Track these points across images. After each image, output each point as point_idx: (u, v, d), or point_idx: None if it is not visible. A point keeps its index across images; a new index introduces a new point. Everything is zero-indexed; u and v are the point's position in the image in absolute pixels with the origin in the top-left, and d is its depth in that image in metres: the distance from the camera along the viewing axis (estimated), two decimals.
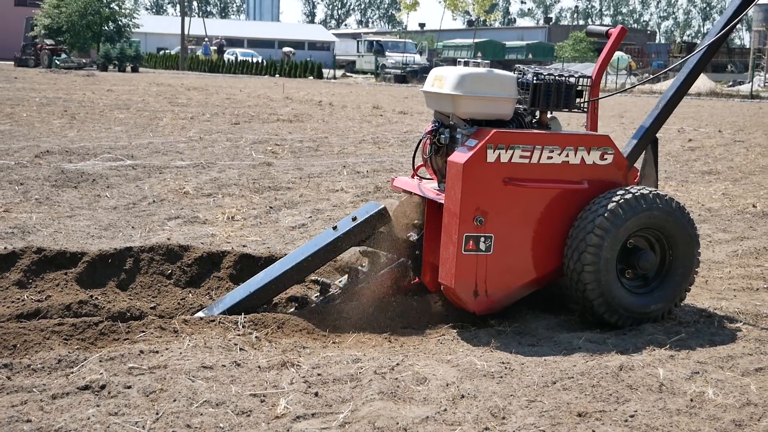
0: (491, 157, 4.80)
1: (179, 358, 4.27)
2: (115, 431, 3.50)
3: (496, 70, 5.11)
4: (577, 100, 5.25)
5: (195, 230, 7.35)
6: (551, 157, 4.91)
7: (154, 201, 8.53)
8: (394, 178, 5.71)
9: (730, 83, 43.77)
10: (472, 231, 4.83)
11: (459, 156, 4.85)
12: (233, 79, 45.07)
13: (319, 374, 4.21)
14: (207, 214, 8.02)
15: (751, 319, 5.23)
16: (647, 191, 4.94)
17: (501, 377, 4.24)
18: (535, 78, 5.12)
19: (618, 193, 4.91)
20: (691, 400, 3.97)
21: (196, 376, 4.09)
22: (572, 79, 5.19)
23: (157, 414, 3.69)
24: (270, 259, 5.69)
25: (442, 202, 4.98)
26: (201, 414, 3.72)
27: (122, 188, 9.18)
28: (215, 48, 63.26)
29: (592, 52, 66.82)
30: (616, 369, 4.29)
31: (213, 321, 4.80)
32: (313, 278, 5.41)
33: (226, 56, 61.54)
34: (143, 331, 4.64)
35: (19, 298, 5.00)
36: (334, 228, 5.29)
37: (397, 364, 4.35)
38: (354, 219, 5.27)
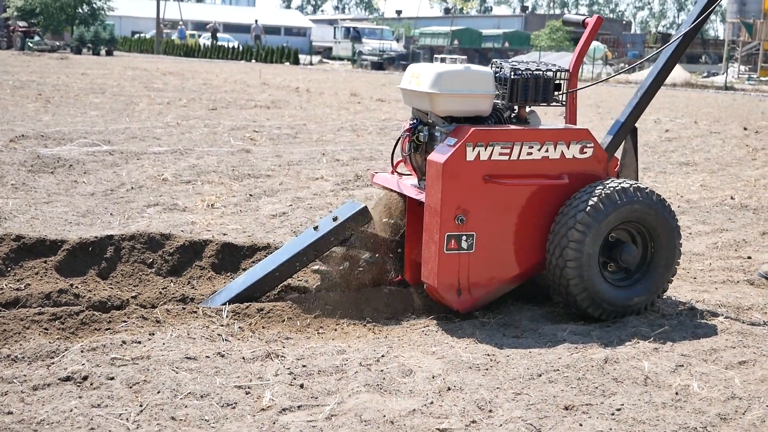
0: (471, 155, 4.76)
1: (162, 349, 4.23)
2: (98, 424, 3.45)
3: (473, 66, 5.06)
4: (555, 93, 5.22)
5: (175, 218, 7.28)
6: (531, 153, 4.88)
7: (132, 187, 8.45)
8: (374, 174, 5.66)
9: (705, 74, 43.96)
10: (454, 230, 4.79)
11: (438, 155, 4.80)
12: (209, 64, 44.79)
13: (303, 366, 4.18)
14: (186, 201, 7.95)
15: (733, 312, 5.24)
16: (628, 185, 4.93)
17: (487, 369, 4.23)
18: (512, 73, 5.08)
19: (599, 187, 4.89)
20: (677, 394, 3.97)
21: (179, 367, 4.05)
22: (550, 73, 5.14)
23: (141, 406, 3.65)
24: (252, 248, 5.65)
25: (423, 200, 4.94)
26: (186, 406, 3.68)
27: (99, 174, 9.09)
28: (209, 32, 62.38)
29: (568, 42, 66.92)
30: (601, 362, 4.29)
31: (195, 311, 4.75)
32: (314, 268, 5.35)
33: (201, 41, 61.08)
34: (125, 321, 4.59)
35: None
36: (315, 228, 5.24)
37: (383, 356, 4.33)
38: (335, 219, 5.21)
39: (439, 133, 5.01)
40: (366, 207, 5.23)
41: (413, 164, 5.23)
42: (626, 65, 51.88)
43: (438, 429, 3.58)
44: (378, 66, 49.70)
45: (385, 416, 3.66)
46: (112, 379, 3.88)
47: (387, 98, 22.76)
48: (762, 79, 41.84)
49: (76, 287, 5.00)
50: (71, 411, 3.56)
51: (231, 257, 5.58)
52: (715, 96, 31.79)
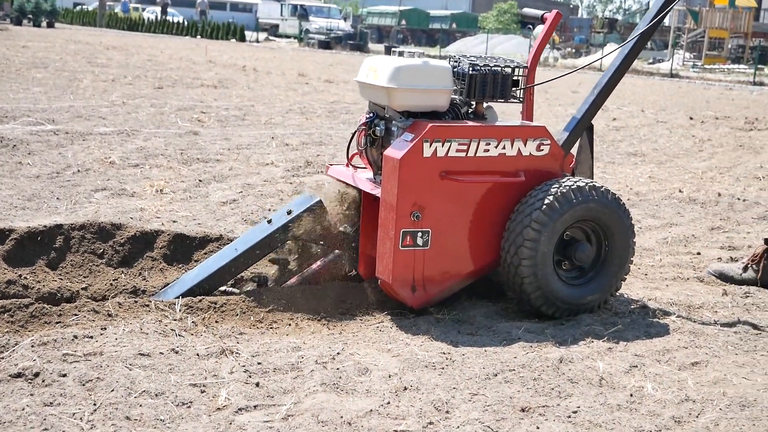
0: (428, 151, 4.73)
1: (115, 345, 4.16)
2: (52, 424, 3.38)
3: (432, 61, 5.04)
4: (513, 89, 5.21)
5: (123, 203, 7.17)
6: (488, 150, 4.87)
7: (78, 170, 8.30)
8: (329, 166, 5.61)
9: (650, 60, 44.41)
10: (409, 226, 4.77)
11: (395, 151, 4.77)
12: (153, 39, 44.19)
13: (259, 363, 4.14)
14: (135, 186, 7.83)
15: (684, 310, 5.30)
16: (583, 183, 4.94)
17: (443, 368, 4.22)
18: (471, 68, 5.05)
19: (554, 185, 4.89)
20: (631, 395, 4.00)
21: (133, 364, 3.98)
22: (508, 69, 5.13)
23: (94, 405, 3.59)
24: (204, 239, 5.58)
25: (378, 195, 4.91)
26: (140, 405, 3.62)
27: (44, 155, 8.91)
28: (160, 6, 61.22)
29: (515, 24, 67.24)
30: (556, 362, 4.31)
31: (147, 305, 4.68)
32: (272, 257, 5.30)
33: (145, 15, 60.16)
34: (76, 314, 4.51)
35: None
36: (269, 221, 5.19)
37: (338, 353, 4.30)
38: (289, 212, 5.16)
39: (396, 127, 4.97)
40: (321, 200, 5.18)
41: (369, 158, 5.19)
42: (572, 49, 52.26)
43: (395, 431, 3.56)
44: (325, 45, 49.45)
45: (342, 417, 3.63)
46: (64, 376, 3.81)
47: (335, 79, 22.67)
48: (706, 66, 42.41)
49: (25, 278, 4.89)
50: (23, 410, 3.48)
51: (183, 248, 5.50)
52: (660, 83, 32.17)
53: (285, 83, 20.34)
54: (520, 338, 4.65)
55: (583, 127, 5.36)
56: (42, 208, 6.89)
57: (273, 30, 64.20)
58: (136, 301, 4.70)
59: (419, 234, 4.82)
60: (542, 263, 4.86)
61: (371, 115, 5.18)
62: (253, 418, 3.61)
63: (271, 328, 4.75)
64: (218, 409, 3.67)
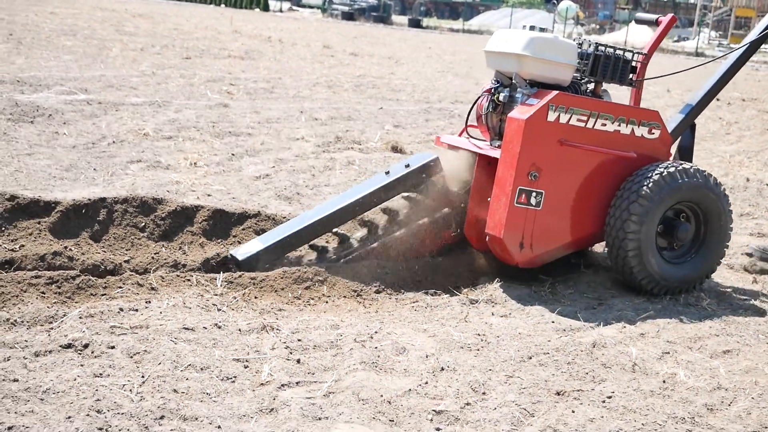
0: (551, 116, 4.99)
1: (160, 318, 4.27)
2: (104, 395, 3.49)
3: (561, 37, 5.31)
4: (630, 75, 5.47)
5: (158, 176, 7.27)
6: (605, 125, 5.12)
7: (113, 141, 8.40)
8: (439, 137, 5.84)
9: (675, 38, 44.17)
10: (526, 185, 5.00)
11: (520, 112, 5.03)
12: (177, 6, 44.22)
13: (299, 340, 4.24)
14: (169, 158, 7.93)
15: (714, 298, 5.36)
16: (689, 166, 5.20)
17: (478, 350, 4.31)
18: (595, 50, 5.31)
19: (662, 165, 5.15)
20: (664, 382, 4.08)
21: (178, 338, 4.09)
22: (629, 55, 5.40)
23: (143, 377, 3.70)
24: (243, 215, 5.67)
25: (495, 156, 5.13)
26: (186, 378, 3.73)
27: (79, 125, 9.01)
28: None
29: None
30: (589, 346, 4.39)
31: (189, 279, 4.79)
32: (334, 230, 5.49)
33: None
34: (120, 287, 4.62)
35: None
36: (387, 173, 5.45)
37: (376, 332, 4.40)
38: (407, 165, 5.42)
39: (521, 94, 5.22)
40: (438, 158, 5.44)
41: (488, 124, 5.45)
42: (597, 26, 51.98)
43: (434, 410, 3.65)
44: (348, 16, 49.38)
45: (381, 396, 3.73)
46: (112, 348, 3.92)
47: (360, 52, 22.69)
48: (732, 46, 42.09)
49: (70, 249, 5.01)
50: (75, 380, 3.60)
51: (222, 223, 5.60)
52: (685, 62, 31.91)
53: (311, 55, 20.38)
54: (554, 321, 4.73)
55: (692, 119, 5.70)
56: (79, 179, 7.00)
57: (296, 0, 64.06)
58: (178, 275, 4.81)
59: (534, 194, 5.03)
60: (646, 238, 5.07)
61: (496, 83, 5.42)
62: (296, 395, 3.71)
63: (308, 304, 4.86)
64: (261, 384, 3.77)
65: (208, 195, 6.80)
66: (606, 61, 5.35)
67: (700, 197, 5.23)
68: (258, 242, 5.21)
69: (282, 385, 3.77)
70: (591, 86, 5.49)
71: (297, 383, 3.81)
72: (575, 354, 4.30)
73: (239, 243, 5.48)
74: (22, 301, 4.36)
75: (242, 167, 7.89)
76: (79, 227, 5.28)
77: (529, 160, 4.98)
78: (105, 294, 4.56)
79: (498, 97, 5.32)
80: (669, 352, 4.43)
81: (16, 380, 3.56)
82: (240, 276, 4.90)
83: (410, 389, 3.83)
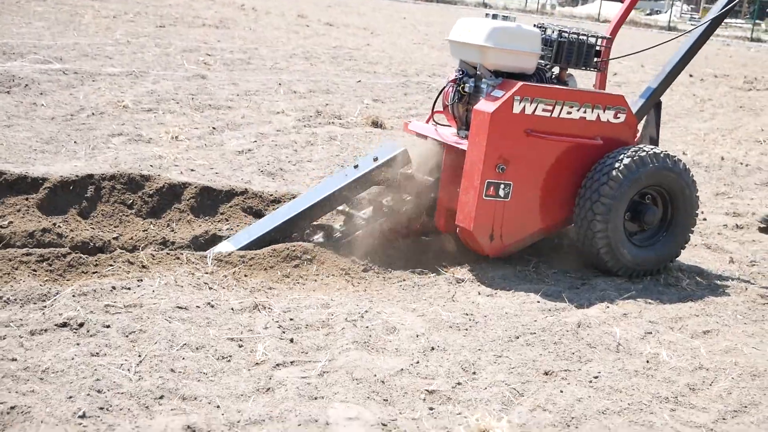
0: (517, 108, 5.01)
1: (153, 297, 4.31)
2: (103, 375, 3.54)
3: (524, 25, 5.31)
4: (595, 59, 5.50)
5: (140, 150, 7.26)
6: (570, 113, 5.16)
7: (93, 113, 8.36)
8: (407, 123, 5.84)
9: (648, 12, 44.31)
10: (494, 178, 5.04)
11: (486, 105, 5.04)
12: None
13: (291, 319, 4.30)
14: (150, 131, 7.91)
15: (693, 278, 5.47)
16: (659, 151, 5.26)
17: (467, 330, 4.39)
18: (559, 36, 5.34)
19: (632, 150, 5.20)
20: (647, 362, 4.18)
21: (172, 316, 4.14)
22: (593, 39, 5.43)
23: (139, 356, 3.74)
24: (230, 193, 5.71)
25: (464, 148, 5.15)
26: (183, 358, 3.78)
27: (56, 96, 8.96)
28: None
29: None
30: (575, 326, 4.48)
31: (179, 257, 4.82)
32: (339, 208, 5.53)
33: None
34: (111, 265, 4.65)
35: None
36: (356, 167, 5.45)
37: (366, 311, 4.46)
38: (375, 159, 5.42)
39: (486, 85, 5.24)
40: (406, 150, 5.45)
41: (455, 114, 5.46)
42: None
43: (427, 390, 3.73)
44: None
45: (375, 375, 3.80)
46: (107, 327, 3.96)
47: (334, 22, 22.59)
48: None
49: (59, 226, 5.03)
50: (73, 359, 3.64)
51: (209, 200, 5.64)
52: (658, 36, 32.08)
53: (285, 25, 20.27)
54: (539, 301, 4.82)
55: (655, 99, 5.72)
56: (61, 152, 6.98)
57: None
58: (168, 253, 4.84)
59: (502, 185, 5.08)
60: (614, 220, 5.14)
61: (460, 72, 5.42)
62: (291, 374, 3.77)
63: (298, 283, 4.91)
64: (257, 363, 3.83)
65: (192, 170, 6.80)
66: (570, 47, 5.36)
67: (668, 182, 5.29)
68: (229, 244, 5.20)
69: (277, 365, 3.83)
70: (556, 71, 5.53)
71: (291, 363, 3.87)
72: (561, 334, 4.39)
73: (227, 220, 5.52)
74: (14, 279, 4.38)
75: (224, 141, 7.89)
76: (67, 204, 5.29)
77: (496, 152, 5.01)
78: (96, 272, 4.59)
79: (463, 88, 5.32)
80: (651, 333, 4.53)
81: (14, 359, 3.60)
82: (229, 254, 4.94)
83: (402, 369, 3.90)
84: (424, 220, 5.54)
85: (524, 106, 5.03)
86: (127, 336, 3.91)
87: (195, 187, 5.66)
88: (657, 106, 5.81)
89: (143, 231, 5.23)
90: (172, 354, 3.80)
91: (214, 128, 8.30)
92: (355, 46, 16.91)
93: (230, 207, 5.63)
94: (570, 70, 5.54)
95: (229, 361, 3.83)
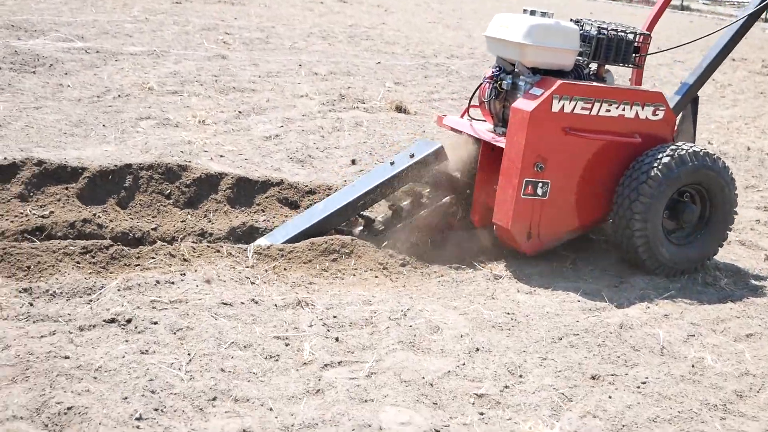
0: (556, 106, 4.98)
1: (197, 292, 4.31)
2: (155, 374, 3.54)
3: (563, 22, 5.24)
4: (633, 55, 5.45)
5: (169, 134, 7.24)
6: (609, 111, 5.13)
7: (119, 95, 8.33)
8: (442, 117, 5.79)
9: None
10: (532, 176, 5.02)
11: (525, 103, 5.01)
12: None
13: (334, 316, 4.30)
14: (177, 115, 7.88)
15: (731, 277, 5.45)
16: (698, 149, 5.22)
17: (509, 330, 4.39)
18: (598, 32, 5.28)
19: (671, 148, 5.16)
20: (693, 366, 4.17)
21: (218, 313, 4.14)
22: (631, 35, 5.36)
23: (189, 355, 3.75)
24: (266, 183, 5.69)
25: (501, 145, 5.11)
26: (232, 357, 3.78)
27: (81, 76, 8.93)
28: None
29: None
30: (617, 327, 4.47)
31: (219, 250, 4.82)
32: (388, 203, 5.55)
33: None
34: (153, 258, 4.65)
35: (22, 212, 4.93)
36: (392, 163, 5.43)
37: (408, 309, 4.46)
38: (412, 155, 5.39)
39: (524, 82, 5.21)
40: (442, 146, 5.41)
41: (491, 110, 5.42)
42: None
43: (476, 394, 3.73)
44: None
45: (423, 378, 3.80)
46: (155, 323, 3.96)
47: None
48: None
49: (98, 216, 5.02)
50: (124, 357, 3.64)
51: (246, 191, 5.63)
52: (671, 16, 31.93)
53: (300, 1, 20.15)
54: (579, 301, 4.81)
55: (692, 95, 5.66)
56: (90, 136, 6.96)
57: None
58: (208, 246, 4.83)
59: (540, 184, 5.06)
60: (653, 219, 5.12)
61: (497, 69, 5.37)
62: (339, 375, 3.77)
63: (336, 277, 4.90)
64: (305, 363, 3.83)
65: (221, 156, 6.79)
66: (609, 44, 5.31)
67: (708, 180, 5.26)
68: (266, 240, 5.20)
69: (325, 365, 3.83)
70: (593, 67, 5.48)
71: (339, 363, 3.87)
72: (605, 336, 4.38)
73: (263, 211, 5.51)
74: (59, 271, 4.38)
75: (250, 126, 7.86)
76: (105, 193, 5.28)
77: (535, 151, 4.99)
78: (139, 264, 4.59)
79: (501, 84, 5.29)
80: (694, 335, 4.52)
81: (66, 357, 3.60)
82: (269, 247, 4.93)
83: (449, 371, 3.90)
84: (459, 215, 5.52)
85: (563, 105, 5.00)
86: (174, 333, 3.91)
87: (231, 177, 5.65)
88: (694, 101, 5.78)
89: (181, 222, 5.23)
90: (220, 353, 3.80)
91: (240, 112, 8.27)
92: (370, 24, 16.82)
93: (266, 198, 5.62)
94: (607, 66, 5.50)
95: (277, 360, 3.83)
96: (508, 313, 4.56)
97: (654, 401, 3.81)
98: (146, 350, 3.75)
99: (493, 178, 5.26)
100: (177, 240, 5.03)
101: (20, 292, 4.10)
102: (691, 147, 5.23)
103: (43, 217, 4.90)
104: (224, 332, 3.97)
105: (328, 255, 5.03)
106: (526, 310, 4.63)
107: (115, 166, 5.41)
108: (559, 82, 5.01)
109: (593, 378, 3.97)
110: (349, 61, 12.05)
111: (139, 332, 3.88)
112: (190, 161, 5.84)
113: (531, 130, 4.95)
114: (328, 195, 5.74)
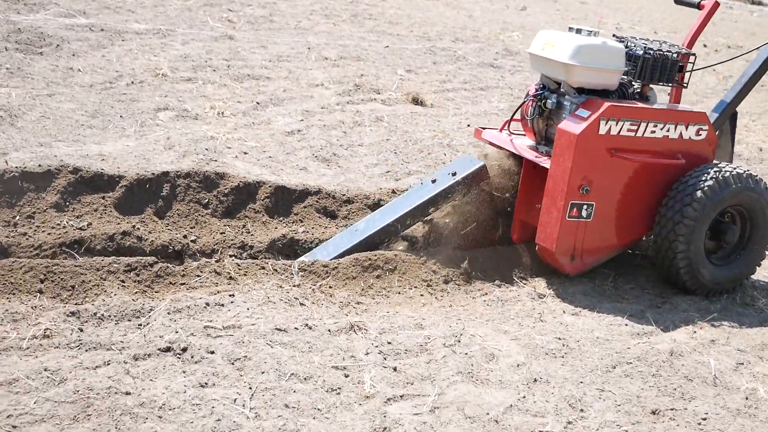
0: (603, 129, 4.92)
1: (249, 317, 4.23)
2: (221, 413, 3.47)
3: (609, 41, 5.15)
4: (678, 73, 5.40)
5: (190, 128, 7.12)
6: (654, 132, 5.08)
7: (132, 82, 8.18)
8: (480, 130, 5.68)
9: None
10: (577, 199, 4.97)
11: (572, 125, 4.94)
12: None
13: (389, 342, 4.24)
14: (194, 105, 7.75)
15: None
16: (741, 171, 5.19)
17: (563, 357, 4.35)
18: (644, 52, 5.21)
19: (714, 169, 5.13)
20: (746, 398, 4.16)
21: (273, 340, 4.07)
22: (676, 55, 5.31)
23: (250, 389, 3.68)
24: (304, 192, 5.60)
25: (546, 166, 5.06)
26: (294, 390, 3.72)
27: (89, 59, 8.76)
28: None
29: None
30: (668, 355, 4.44)
31: (264, 268, 4.73)
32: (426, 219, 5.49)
33: None
34: (198, 276, 4.57)
35: (59, 224, 4.81)
36: (433, 181, 5.36)
37: (461, 334, 4.40)
38: (453, 174, 5.33)
39: (569, 102, 5.16)
40: (485, 165, 5.36)
41: (533, 127, 5.35)
42: None
43: (541, 431, 3.69)
44: None
45: (487, 413, 3.76)
46: (212, 353, 3.89)
47: None
48: None
49: (137, 228, 4.92)
50: (185, 392, 3.57)
51: (284, 200, 5.54)
52: (739, 11, 31.71)
53: None
54: (626, 324, 4.77)
55: (731, 111, 5.62)
56: (108, 128, 6.84)
57: None
58: (253, 263, 4.74)
59: (585, 206, 5.01)
60: (696, 241, 5.09)
61: (541, 86, 5.30)
62: (403, 410, 3.72)
63: (381, 295, 4.83)
64: (367, 397, 3.77)
65: (245, 153, 6.70)
66: (654, 64, 5.25)
67: (750, 202, 5.24)
68: (308, 260, 5.09)
69: (387, 399, 3.78)
70: (636, 85, 5.42)
71: (401, 396, 3.82)
72: (658, 365, 4.35)
73: (301, 221, 5.44)
74: (104, 291, 4.29)
75: (270, 119, 7.75)
76: (143, 203, 5.18)
77: (581, 174, 4.95)
78: (184, 283, 4.50)
79: (545, 104, 5.23)
80: (743, 363, 4.50)
81: (128, 393, 3.52)
82: (312, 263, 4.86)
83: (511, 404, 3.86)
84: (500, 231, 5.47)
85: (610, 127, 4.94)
86: (233, 363, 3.84)
87: (269, 186, 5.54)
88: (732, 117, 5.74)
89: (220, 233, 5.13)
90: (282, 386, 3.74)
91: (258, 103, 8.14)
92: (371, 2, 16.64)
93: (304, 207, 5.53)
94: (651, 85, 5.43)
95: (338, 393, 3.77)
96: (559, 338, 4.52)
97: None
98: (206, 383, 3.68)
99: (535, 196, 5.19)
100: (217, 252, 4.94)
101: (68, 315, 4.01)
102: (735, 169, 5.19)
103: (81, 229, 4.79)
104: (282, 362, 3.90)
105: (372, 271, 4.96)
106: (576, 334, 4.59)
107: (153, 174, 5.30)
108: (606, 104, 4.94)
109: (654, 413, 3.94)
110: (357, 45, 11.90)
111: (196, 362, 3.81)
112: (225, 170, 5.69)
113: (578, 153, 4.89)
114: (365, 204, 5.66)
